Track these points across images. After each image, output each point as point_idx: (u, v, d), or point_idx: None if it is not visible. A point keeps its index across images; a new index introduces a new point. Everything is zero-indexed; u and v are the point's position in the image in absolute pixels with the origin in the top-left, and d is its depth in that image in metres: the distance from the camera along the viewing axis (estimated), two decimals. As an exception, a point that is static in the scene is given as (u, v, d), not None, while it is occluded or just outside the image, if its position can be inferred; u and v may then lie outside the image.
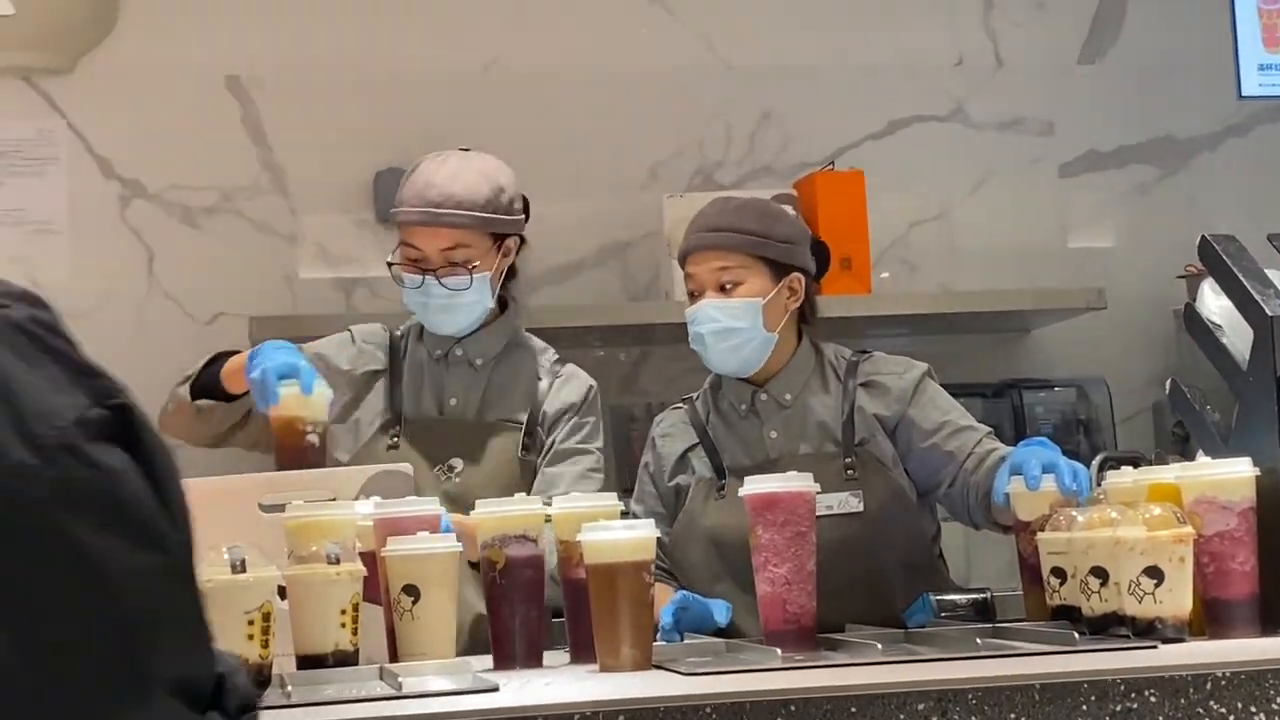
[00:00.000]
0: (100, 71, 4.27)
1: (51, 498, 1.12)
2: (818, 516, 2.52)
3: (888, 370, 2.97)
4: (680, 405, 3.08)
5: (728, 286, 2.86)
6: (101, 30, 4.24)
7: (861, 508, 2.83)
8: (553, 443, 3.03)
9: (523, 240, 3.19)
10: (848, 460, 2.89)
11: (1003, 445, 2.86)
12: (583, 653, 2.29)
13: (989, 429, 2.96)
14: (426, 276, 3.01)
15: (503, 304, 3.17)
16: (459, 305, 3.03)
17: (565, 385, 3.09)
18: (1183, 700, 1.92)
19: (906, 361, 3.01)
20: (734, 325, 2.85)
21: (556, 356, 3.17)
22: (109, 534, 1.14)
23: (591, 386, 3.11)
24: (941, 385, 3.02)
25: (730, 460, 2.93)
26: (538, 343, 3.20)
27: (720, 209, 2.96)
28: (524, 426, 3.03)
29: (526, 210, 3.18)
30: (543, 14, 4.54)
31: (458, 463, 2.99)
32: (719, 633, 2.58)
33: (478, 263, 3.02)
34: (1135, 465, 2.56)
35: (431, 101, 4.44)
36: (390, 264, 3.11)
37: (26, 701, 1.12)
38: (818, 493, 2.40)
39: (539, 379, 3.09)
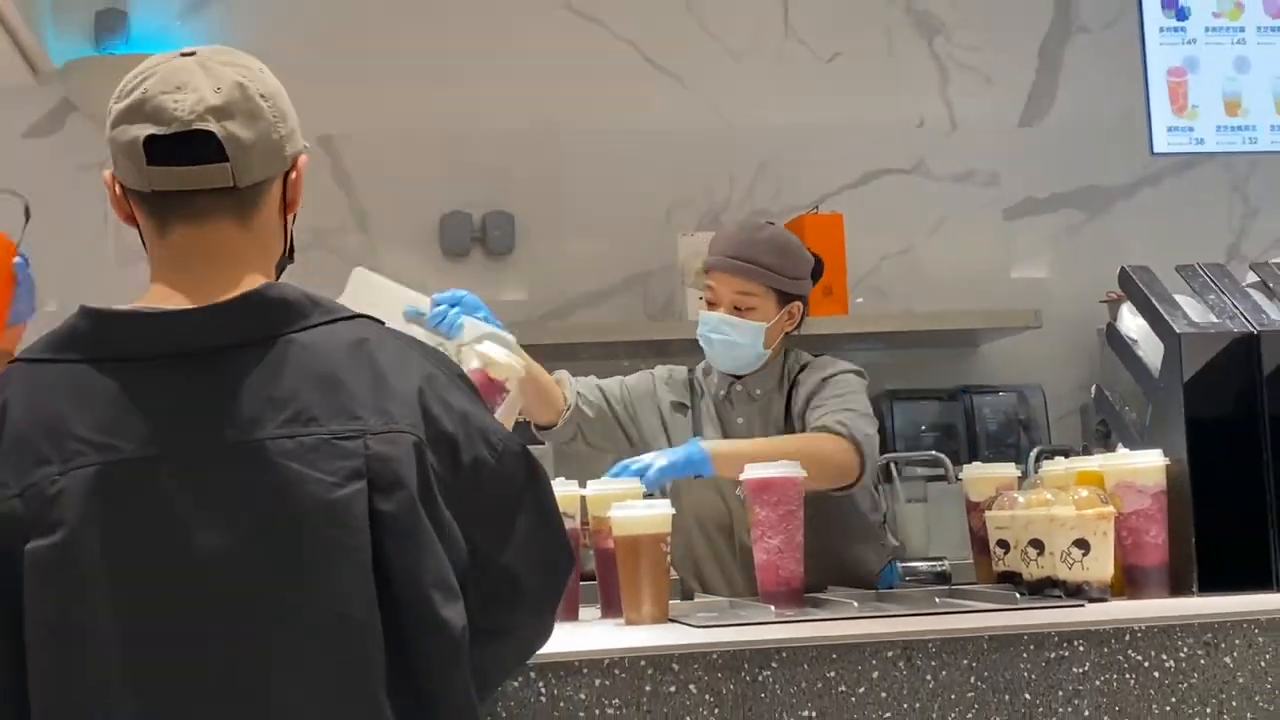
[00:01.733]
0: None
1: (522, 477, 1.51)
2: None
3: (815, 369, 2.89)
4: (687, 370, 3.04)
5: (741, 307, 2.86)
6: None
7: None
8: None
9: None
10: None
11: (831, 427, 2.71)
12: (611, 609, 2.30)
13: (846, 419, 2.74)
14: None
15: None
16: None
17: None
18: (1105, 649, 1.92)
19: (834, 362, 2.91)
20: (739, 341, 2.84)
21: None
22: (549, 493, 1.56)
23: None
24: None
25: (707, 438, 2.87)
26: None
27: (749, 238, 2.89)
28: None
29: None
30: (580, 85, 4.54)
31: None
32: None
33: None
34: (1066, 456, 2.56)
35: (488, 156, 4.45)
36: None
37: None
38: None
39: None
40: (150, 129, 1.49)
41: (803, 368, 2.91)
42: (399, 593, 1.40)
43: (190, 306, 1.48)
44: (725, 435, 2.88)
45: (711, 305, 2.89)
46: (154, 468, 1.39)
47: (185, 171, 1.49)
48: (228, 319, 1.46)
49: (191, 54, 1.57)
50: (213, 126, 1.48)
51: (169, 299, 1.50)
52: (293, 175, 1.57)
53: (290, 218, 1.61)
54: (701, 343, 2.91)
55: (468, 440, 1.47)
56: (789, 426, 2.85)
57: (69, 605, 1.36)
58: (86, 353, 1.44)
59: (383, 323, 1.55)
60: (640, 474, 2.49)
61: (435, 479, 1.44)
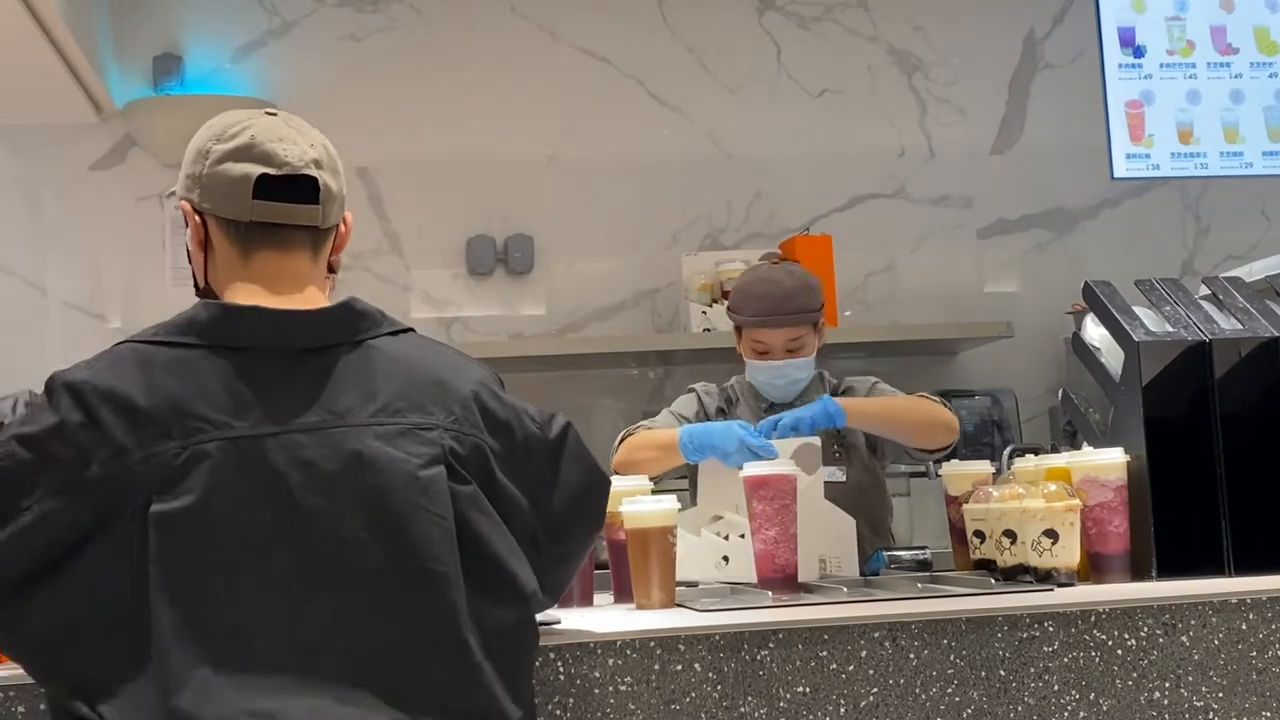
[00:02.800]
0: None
1: (558, 435, 1.70)
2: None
3: (855, 383, 3.00)
4: (717, 384, 3.07)
5: (793, 349, 2.89)
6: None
7: (844, 479, 2.84)
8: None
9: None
10: (835, 446, 2.90)
11: (928, 396, 2.90)
12: (623, 595, 2.29)
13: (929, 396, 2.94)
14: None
15: None
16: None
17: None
18: (1072, 629, 1.92)
19: (868, 378, 3.03)
20: (799, 377, 2.92)
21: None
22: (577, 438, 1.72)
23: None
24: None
25: None
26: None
27: (788, 290, 2.90)
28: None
29: None
30: (590, 119, 4.55)
31: None
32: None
33: None
34: (1036, 454, 2.56)
35: (508, 184, 4.46)
36: None
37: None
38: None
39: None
40: (261, 169, 1.61)
41: (845, 389, 2.97)
42: (475, 552, 1.54)
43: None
44: None
45: (762, 354, 2.90)
46: (265, 444, 1.49)
47: (285, 208, 1.62)
48: (327, 322, 1.59)
49: (275, 114, 1.70)
50: (315, 173, 1.63)
51: (261, 302, 1.60)
52: (342, 228, 1.72)
53: (336, 259, 1.73)
54: (763, 388, 2.95)
55: (519, 423, 1.64)
56: (837, 430, 2.88)
57: (201, 560, 1.44)
58: (203, 339, 1.53)
59: (422, 335, 1.69)
60: (777, 425, 2.62)
61: (496, 461, 1.59)
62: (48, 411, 1.48)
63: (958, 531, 2.50)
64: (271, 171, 1.61)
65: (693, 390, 3.06)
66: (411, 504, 1.51)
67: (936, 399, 2.86)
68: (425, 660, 1.49)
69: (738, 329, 2.99)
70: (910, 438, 2.84)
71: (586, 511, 1.72)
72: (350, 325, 1.60)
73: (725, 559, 2.47)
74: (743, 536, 2.44)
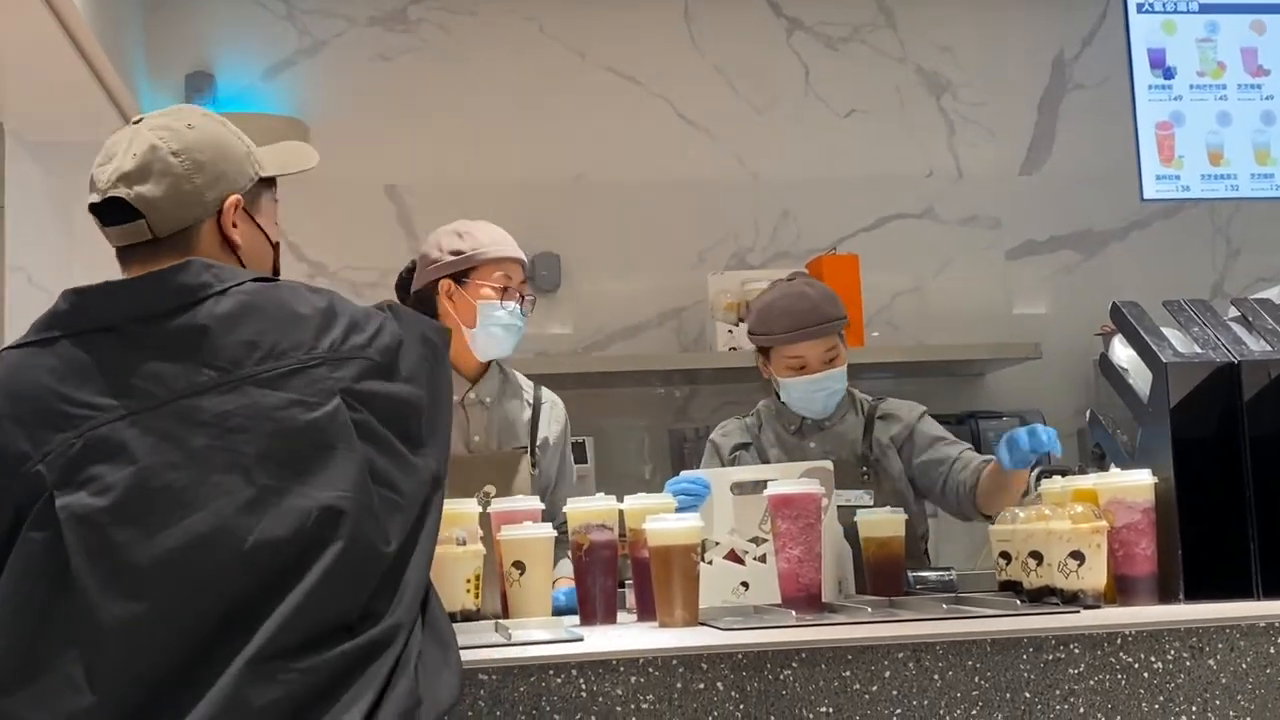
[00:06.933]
0: (295, 183, 4.31)
1: None
2: (839, 506, 2.53)
3: (898, 409, 3.02)
4: (737, 417, 3.09)
5: (830, 359, 2.89)
6: (294, 152, 4.29)
7: (871, 502, 2.83)
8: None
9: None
10: (863, 468, 2.89)
11: (979, 455, 2.90)
12: (646, 613, 2.28)
13: (969, 445, 2.99)
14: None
15: None
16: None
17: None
18: (1099, 651, 1.91)
19: (912, 404, 3.05)
20: (837, 388, 2.94)
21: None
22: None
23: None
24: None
25: (776, 462, 2.92)
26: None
27: (815, 302, 2.91)
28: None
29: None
30: (618, 140, 4.57)
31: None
32: None
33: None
34: (1064, 475, 2.54)
35: (537, 203, 4.47)
36: None
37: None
38: (838, 490, 2.43)
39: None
40: (93, 197, 1.64)
41: (881, 416, 2.98)
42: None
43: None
44: (795, 459, 2.91)
45: (799, 370, 2.90)
46: (159, 414, 1.49)
47: (114, 230, 1.64)
48: (174, 276, 1.57)
49: (139, 121, 1.67)
50: (121, 191, 1.61)
51: None
52: (224, 216, 1.67)
53: (238, 254, 1.68)
54: (802, 405, 2.95)
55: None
56: (867, 451, 2.92)
57: (115, 542, 1.44)
58: (67, 328, 1.56)
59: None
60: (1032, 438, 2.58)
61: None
62: None
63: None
64: (94, 199, 1.64)
65: (710, 442, 3.07)
66: (315, 442, 1.50)
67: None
68: None
69: (763, 350, 2.98)
70: (1002, 503, 2.72)
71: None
72: (203, 275, 1.57)
73: (744, 585, 2.46)
74: (759, 560, 2.44)
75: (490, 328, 2.77)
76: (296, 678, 1.42)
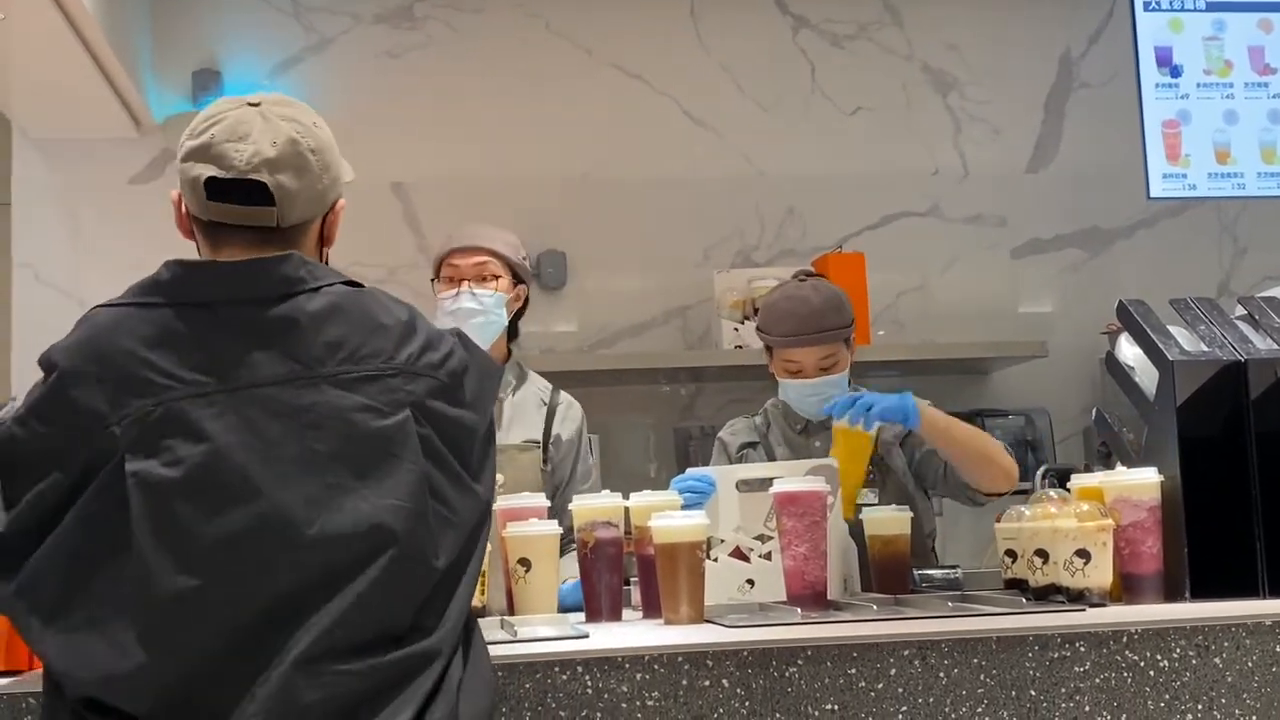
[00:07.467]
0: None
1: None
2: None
3: None
4: (745, 416, 3.08)
5: (825, 367, 2.88)
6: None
7: (877, 500, 2.83)
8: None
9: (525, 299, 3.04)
10: (870, 468, 2.89)
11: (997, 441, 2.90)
12: (651, 610, 2.28)
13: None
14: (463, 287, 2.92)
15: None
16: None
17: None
18: (1104, 649, 1.91)
19: (924, 403, 3.00)
20: (834, 394, 2.87)
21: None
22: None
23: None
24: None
25: (783, 460, 2.92)
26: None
27: (816, 308, 2.88)
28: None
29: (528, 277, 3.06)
30: (624, 137, 4.57)
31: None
32: None
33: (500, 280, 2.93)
34: (1070, 474, 2.54)
35: (543, 200, 4.48)
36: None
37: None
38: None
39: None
40: (212, 170, 1.62)
41: None
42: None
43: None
44: (801, 458, 2.90)
45: (794, 374, 2.89)
46: (239, 398, 1.51)
47: (236, 210, 1.63)
48: (280, 266, 1.60)
49: (257, 104, 1.68)
50: (264, 177, 1.62)
51: None
52: (330, 216, 1.73)
53: (326, 250, 1.74)
54: (795, 408, 2.93)
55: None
56: (872, 449, 2.90)
57: (179, 515, 1.46)
58: (169, 297, 1.57)
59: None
60: (853, 403, 2.62)
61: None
62: (36, 389, 1.54)
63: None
64: (221, 174, 1.61)
65: (718, 440, 3.07)
66: (381, 450, 1.53)
67: (1009, 450, 2.83)
68: None
69: (768, 349, 2.98)
70: (969, 467, 2.80)
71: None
72: (300, 270, 1.60)
73: (750, 582, 2.46)
74: (764, 558, 2.44)
75: (444, 319, 2.87)
76: (344, 680, 1.44)
